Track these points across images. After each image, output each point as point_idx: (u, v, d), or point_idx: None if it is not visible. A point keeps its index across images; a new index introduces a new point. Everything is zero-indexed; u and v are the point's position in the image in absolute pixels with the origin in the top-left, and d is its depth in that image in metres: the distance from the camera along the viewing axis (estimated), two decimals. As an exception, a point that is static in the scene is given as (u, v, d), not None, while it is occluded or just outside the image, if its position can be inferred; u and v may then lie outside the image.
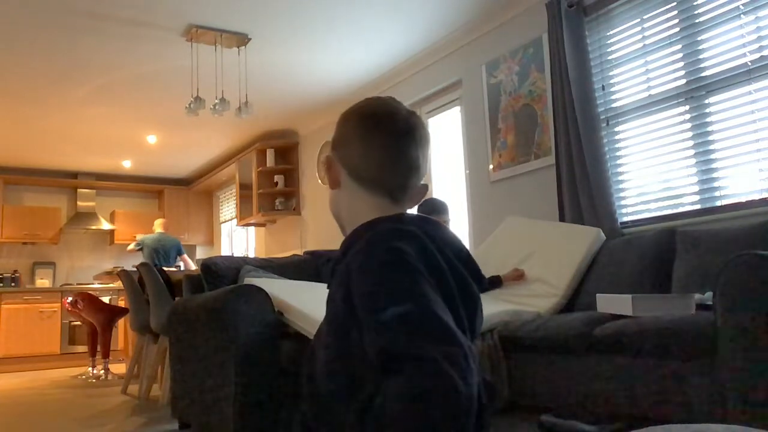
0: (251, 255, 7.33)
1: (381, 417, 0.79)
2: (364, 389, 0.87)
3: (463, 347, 0.79)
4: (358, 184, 1.05)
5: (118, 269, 5.36)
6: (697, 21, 2.96)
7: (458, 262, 0.98)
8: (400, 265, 0.88)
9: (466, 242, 4.20)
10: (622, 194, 3.33)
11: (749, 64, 2.74)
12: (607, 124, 3.36)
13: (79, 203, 7.94)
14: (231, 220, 8.03)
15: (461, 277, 0.97)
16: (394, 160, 1.03)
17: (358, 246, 0.95)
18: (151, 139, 6.59)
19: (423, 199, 3.20)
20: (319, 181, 6.05)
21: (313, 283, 2.97)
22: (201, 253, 8.54)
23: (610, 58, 3.39)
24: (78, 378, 5.66)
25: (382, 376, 0.81)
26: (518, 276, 3.02)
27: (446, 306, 0.87)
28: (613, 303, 2.23)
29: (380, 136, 1.03)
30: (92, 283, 7.41)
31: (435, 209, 3.10)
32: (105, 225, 7.89)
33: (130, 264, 5.96)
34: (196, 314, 2.63)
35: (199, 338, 2.58)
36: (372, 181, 1.04)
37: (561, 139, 3.40)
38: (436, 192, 4.66)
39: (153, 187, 8.49)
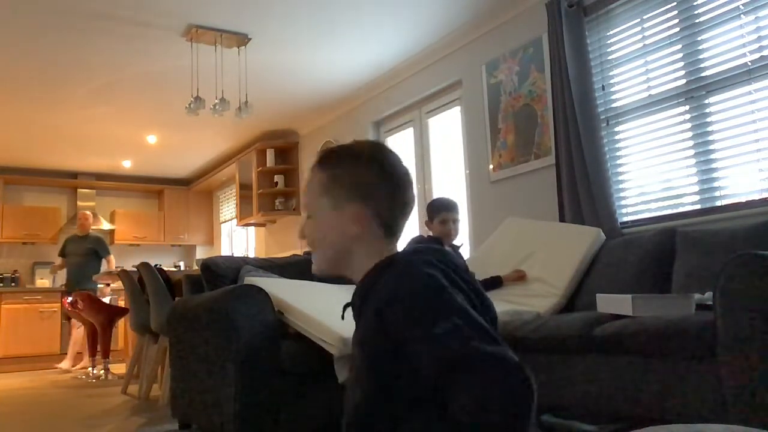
0: (251, 255, 7.33)
1: (462, 415, 0.84)
2: (410, 421, 0.94)
3: (508, 348, 0.88)
4: (384, 235, 1.11)
5: (118, 269, 5.36)
6: (697, 21, 2.96)
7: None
8: (436, 286, 0.95)
9: (466, 242, 4.20)
10: (622, 194, 3.33)
11: (749, 64, 2.74)
12: (607, 124, 3.36)
13: (79, 203, 7.94)
14: (231, 220, 8.03)
15: (479, 291, 1.04)
16: (407, 208, 1.13)
17: (387, 278, 1.00)
18: (151, 139, 6.59)
19: (433, 199, 3.21)
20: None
21: (314, 282, 2.97)
22: (201, 253, 8.55)
23: (610, 58, 3.39)
24: (78, 378, 5.66)
25: (446, 386, 0.86)
26: (519, 277, 3.02)
27: None
28: (613, 303, 2.23)
29: (404, 189, 1.12)
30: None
31: (445, 207, 3.10)
32: (105, 225, 7.89)
33: (130, 264, 5.96)
34: (196, 314, 2.63)
35: (199, 338, 2.58)
36: (393, 231, 1.12)
37: (561, 139, 3.40)
38: (437, 192, 4.66)
39: (153, 187, 8.49)
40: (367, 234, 1.09)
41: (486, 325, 0.91)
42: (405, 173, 1.13)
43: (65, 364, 6.44)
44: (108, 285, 6.47)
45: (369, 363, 1.00)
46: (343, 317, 1.14)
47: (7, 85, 4.94)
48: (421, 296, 0.94)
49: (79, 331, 6.45)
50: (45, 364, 6.76)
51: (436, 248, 1.08)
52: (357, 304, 1.08)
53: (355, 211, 1.09)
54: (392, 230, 1.11)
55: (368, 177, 1.10)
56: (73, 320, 6.39)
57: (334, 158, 1.13)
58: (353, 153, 1.13)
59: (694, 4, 2.97)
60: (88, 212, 6.71)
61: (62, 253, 6.53)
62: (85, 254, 6.34)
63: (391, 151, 1.15)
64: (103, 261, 6.48)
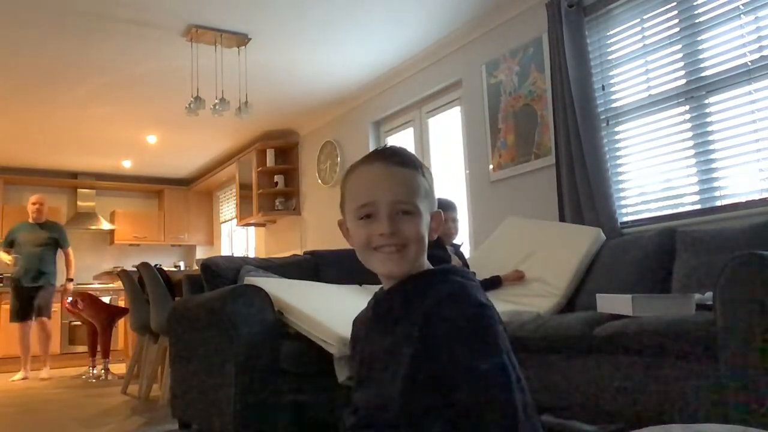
0: (251, 255, 7.33)
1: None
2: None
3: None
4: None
5: (118, 269, 5.36)
6: (697, 21, 2.96)
7: None
8: (488, 319, 1.00)
9: (466, 242, 4.20)
10: (622, 194, 3.33)
11: (749, 64, 2.74)
12: (607, 124, 3.36)
13: (79, 203, 7.94)
14: (231, 220, 8.03)
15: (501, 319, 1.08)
16: None
17: (436, 297, 1.01)
18: (151, 139, 6.59)
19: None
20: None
21: (314, 282, 2.97)
22: (201, 253, 8.55)
23: (610, 58, 3.39)
24: (78, 378, 5.66)
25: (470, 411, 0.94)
26: (519, 277, 3.02)
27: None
28: (613, 303, 2.23)
29: None
30: (92, 283, 7.41)
31: (444, 207, 3.09)
32: (105, 225, 7.89)
33: (130, 264, 5.96)
34: (196, 314, 2.64)
35: (199, 338, 2.58)
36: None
37: (561, 139, 3.40)
38: (437, 192, 4.65)
39: (153, 187, 8.49)
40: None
41: (511, 367, 0.98)
42: None
43: (45, 373, 5.74)
44: (71, 281, 5.87)
45: (399, 366, 1.01)
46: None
47: (7, 85, 4.94)
48: (473, 327, 0.98)
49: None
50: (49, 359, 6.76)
51: (469, 271, 1.12)
52: (395, 307, 1.07)
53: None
54: None
55: (431, 183, 1.17)
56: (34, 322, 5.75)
57: (421, 164, 1.15)
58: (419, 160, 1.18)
59: (694, 4, 2.97)
60: (42, 196, 5.99)
61: (9, 244, 5.74)
62: (44, 244, 5.75)
63: None
64: (60, 253, 5.84)
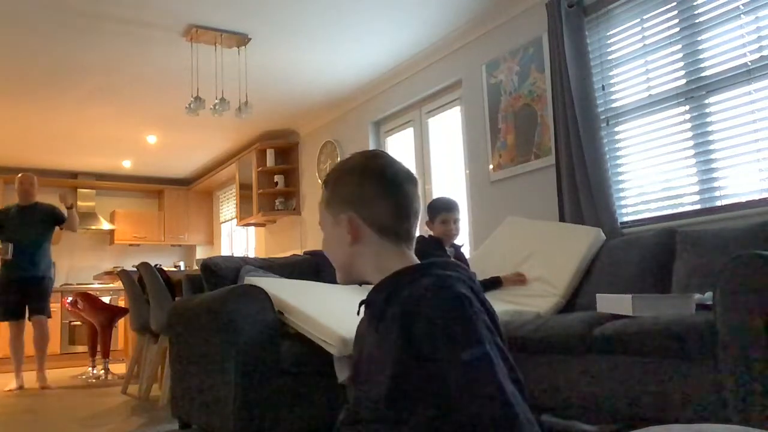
0: (251, 255, 7.33)
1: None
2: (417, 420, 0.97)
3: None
4: (385, 239, 1.13)
5: (118, 269, 5.35)
6: (697, 21, 2.96)
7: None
8: (468, 310, 0.99)
9: (466, 242, 4.20)
10: (622, 194, 3.33)
11: (749, 64, 2.74)
12: (607, 124, 3.36)
13: (79, 203, 7.92)
14: (231, 220, 8.04)
15: (491, 309, 1.07)
16: (408, 210, 1.14)
17: (414, 292, 1.02)
18: (151, 139, 6.59)
19: (433, 199, 3.23)
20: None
21: (314, 282, 2.97)
22: (201, 253, 8.55)
23: (610, 58, 3.39)
24: (78, 378, 5.66)
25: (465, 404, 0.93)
26: (519, 280, 3.02)
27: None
28: (613, 303, 2.23)
29: (402, 194, 1.14)
30: (92, 283, 7.41)
31: (446, 207, 3.10)
32: (105, 225, 7.89)
33: (130, 264, 5.96)
34: (196, 314, 2.64)
35: (199, 338, 2.58)
36: (398, 234, 1.14)
37: (561, 139, 3.40)
38: (437, 192, 4.66)
39: (153, 187, 8.49)
40: (363, 240, 1.13)
41: (494, 356, 0.98)
42: (403, 177, 1.15)
43: (42, 380, 5.02)
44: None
45: (384, 364, 1.01)
46: (358, 313, 1.17)
47: (7, 85, 4.94)
48: (453, 318, 0.97)
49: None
50: (45, 364, 6.75)
51: (456, 263, 1.11)
52: (378, 305, 1.09)
53: (347, 219, 1.13)
54: (396, 233, 1.13)
55: (361, 185, 1.13)
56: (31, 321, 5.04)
57: (332, 174, 1.18)
58: (348, 165, 1.18)
59: (694, 4, 2.97)
60: (29, 174, 5.21)
61: None
62: (36, 229, 5.04)
63: (386, 156, 1.18)
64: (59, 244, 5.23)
